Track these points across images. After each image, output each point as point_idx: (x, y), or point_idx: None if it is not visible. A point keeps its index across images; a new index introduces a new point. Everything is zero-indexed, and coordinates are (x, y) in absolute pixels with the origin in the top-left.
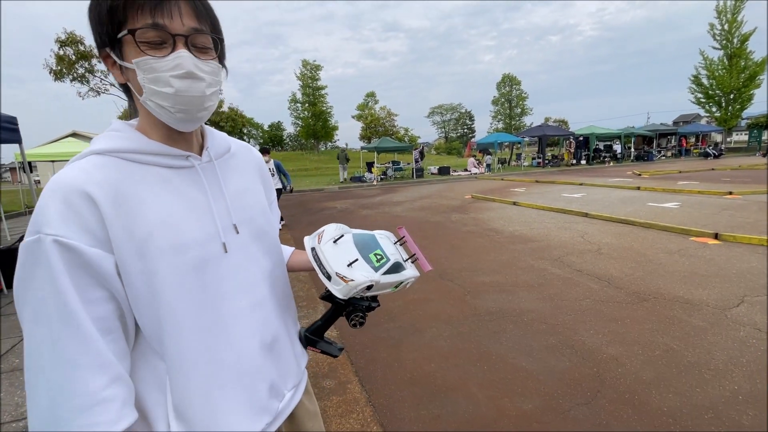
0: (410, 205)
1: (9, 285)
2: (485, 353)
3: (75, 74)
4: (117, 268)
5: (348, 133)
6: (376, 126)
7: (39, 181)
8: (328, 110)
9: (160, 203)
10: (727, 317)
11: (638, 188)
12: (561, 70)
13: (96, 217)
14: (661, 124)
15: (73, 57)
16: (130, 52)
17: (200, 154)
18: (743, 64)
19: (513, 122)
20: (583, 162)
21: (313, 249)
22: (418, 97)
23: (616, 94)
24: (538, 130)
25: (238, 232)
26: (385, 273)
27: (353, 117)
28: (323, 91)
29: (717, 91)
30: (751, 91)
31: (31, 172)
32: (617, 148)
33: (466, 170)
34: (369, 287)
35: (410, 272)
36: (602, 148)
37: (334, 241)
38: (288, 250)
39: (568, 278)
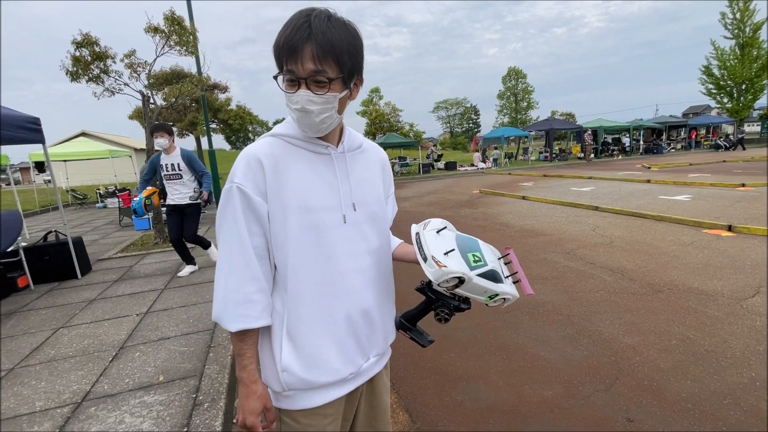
0: (418, 201)
1: (36, 281)
2: (503, 343)
3: (90, 75)
4: (268, 215)
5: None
6: (381, 122)
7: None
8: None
9: (301, 176)
10: (742, 307)
11: (648, 181)
12: (567, 62)
13: (261, 176)
14: (671, 116)
15: (89, 58)
16: (284, 83)
17: (337, 146)
18: (756, 53)
19: (519, 116)
20: (592, 155)
21: (417, 234)
22: (423, 92)
23: (624, 86)
24: (544, 124)
25: (355, 210)
26: (480, 276)
27: (358, 113)
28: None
29: (728, 82)
30: (764, 81)
31: (45, 171)
32: (626, 141)
33: (472, 165)
34: (460, 281)
35: (509, 289)
36: (610, 141)
37: (437, 231)
38: (396, 241)
39: (581, 271)
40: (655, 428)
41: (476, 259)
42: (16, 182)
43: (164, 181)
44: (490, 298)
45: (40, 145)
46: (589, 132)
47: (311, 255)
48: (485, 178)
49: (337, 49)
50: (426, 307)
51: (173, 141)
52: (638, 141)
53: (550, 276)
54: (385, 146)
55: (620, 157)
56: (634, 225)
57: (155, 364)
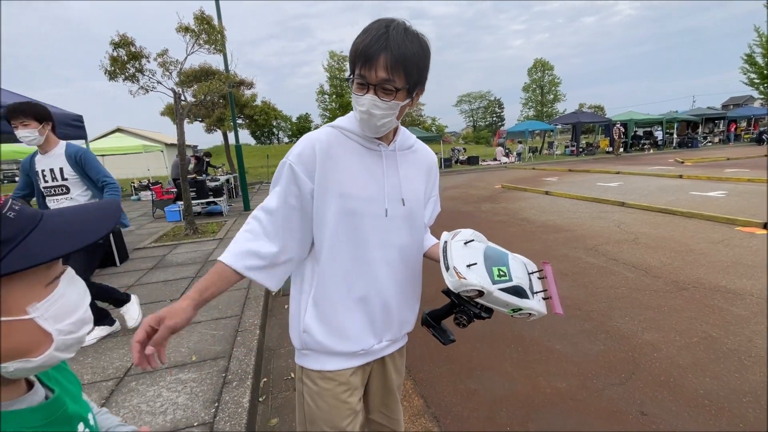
0: (440, 195)
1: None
2: (519, 336)
3: (126, 74)
4: (312, 195)
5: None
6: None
7: None
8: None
9: (349, 166)
10: None
11: (680, 176)
12: (597, 53)
13: (312, 159)
14: (708, 107)
15: (125, 58)
16: (354, 85)
17: (389, 144)
18: None
19: (545, 109)
20: (621, 150)
21: (445, 242)
22: (446, 85)
23: (658, 77)
24: (571, 117)
25: (404, 205)
26: (502, 290)
27: None
28: (351, 90)
29: None
30: None
31: None
32: (658, 134)
33: (495, 159)
34: (480, 293)
35: (535, 305)
36: (642, 134)
37: (465, 243)
38: (432, 240)
39: (603, 267)
40: (668, 422)
41: (501, 273)
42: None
43: (45, 198)
44: (514, 311)
45: (83, 141)
46: (619, 125)
47: (346, 238)
48: (508, 172)
49: (408, 62)
50: (449, 309)
51: (49, 131)
52: (671, 134)
53: (570, 272)
54: None
55: (651, 151)
56: (661, 222)
57: (188, 345)
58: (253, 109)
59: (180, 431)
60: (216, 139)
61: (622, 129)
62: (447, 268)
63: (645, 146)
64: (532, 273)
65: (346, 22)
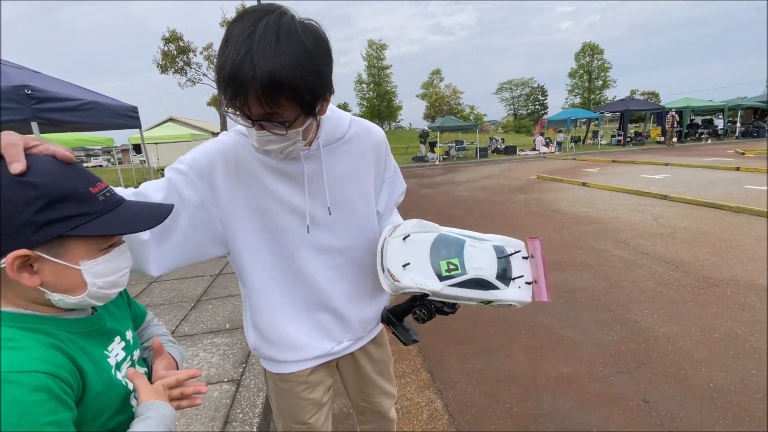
0: (471, 185)
1: None
2: (531, 323)
3: (176, 67)
4: (202, 205)
5: (411, 113)
6: (440, 105)
7: (144, 161)
8: (393, 90)
9: (265, 177)
10: None
11: (737, 169)
12: (654, 34)
13: (212, 169)
14: None
15: (175, 52)
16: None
17: (311, 144)
18: None
19: (592, 96)
20: (674, 139)
21: (384, 240)
22: (486, 72)
23: (723, 59)
24: (620, 105)
25: (330, 213)
26: (455, 285)
27: (417, 96)
28: (388, 71)
29: None
30: None
31: (140, 153)
32: (719, 123)
33: (533, 149)
34: (424, 295)
35: (510, 294)
36: (700, 123)
37: (404, 238)
38: (396, 222)
39: (631, 260)
40: (669, 411)
41: (452, 267)
42: (119, 162)
43: None
44: (485, 303)
45: (137, 130)
46: (673, 113)
47: (270, 255)
48: (546, 163)
49: (289, 87)
50: (410, 304)
51: None
52: (735, 123)
53: (594, 263)
54: (443, 130)
55: (709, 141)
56: (706, 216)
57: (223, 315)
58: None
59: (213, 385)
60: None
61: (677, 117)
62: (383, 270)
63: (702, 136)
64: (512, 254)
65: (387, 9)
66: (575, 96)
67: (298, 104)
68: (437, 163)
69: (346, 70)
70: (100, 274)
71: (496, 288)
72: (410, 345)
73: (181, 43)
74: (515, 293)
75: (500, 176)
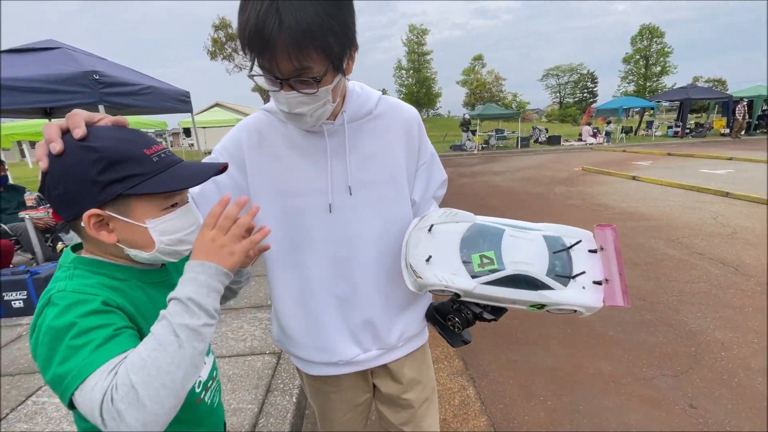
0: (511, 176)
1: None
2: (571, 319)
3: (224, 53)
4: (237, 183)
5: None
6: (481, 91)
7: (192, 144)
8: (432, 76)
9: (287, 155)
10: None
11: None
12: (724, 14)
13: (239, 151)
14: None
15: (224, 39)
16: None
17: (335, 118)
18: None
19: (648, 84)
20: (742, 132)
21: (409, 232)
22: (532, 58)
23: None
24: (680, 93)
25: (351, 194)
26: (491, 284)
27: (458, 82)
28: (428, 57)
29: None
30: None
31: (189, 137)
32: None
33: (580, 139)
34: (456, 295)
35: (570, 296)
36: None
37: (429, 230)
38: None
39: (683, 260)
40: (718, 418)
41: (486, 261)
42: (171, 145)
43: None
44: (537, 307)
45: (188, 114)
46: (744, 102)
47: (288, 241)
48: (593, 154)
49: (318, 37)
50: (450, 304)
51: None
52: None
53: (642, 261)
54: (483, 118)
55: None
56: None
57: (265, 291)
58: None
59: (256, 355)
60: None
61: (746, 107)
62: (407, 266)
63: None
64: (571, 246)
65: None
66: (629, 83)
67: (328, 56)
68: (475, 152)
69: (387, 56)
70: (166, 231)
71: (548, 287)
72: (459, 346)
73: (230, 30)
74: (578, 295)
75: (542, 167)
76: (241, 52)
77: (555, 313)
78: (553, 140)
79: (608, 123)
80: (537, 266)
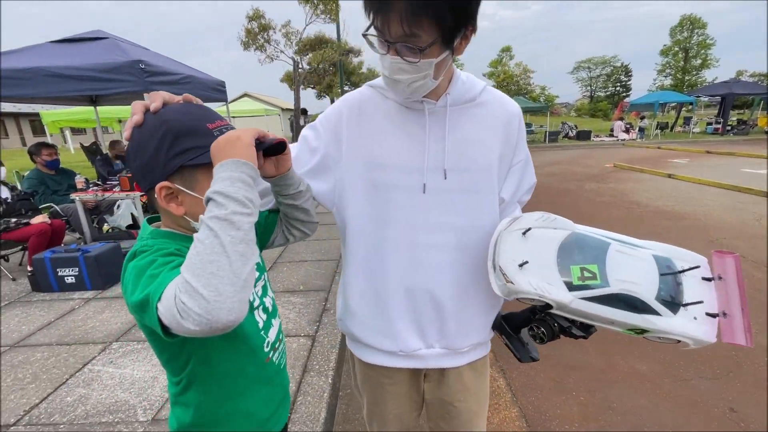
0: (539, 171)
1: None
2: None
3: (257, 44)
4: (333, 160)
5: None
6: (508, 84)
7: None
8: (459, 68)
9: (383, 130)
10: None
11: None
12: None
13: (339, 123)
14: None
15: (257, 30)
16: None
17: (437, 99)
18: None
19: (687, 77)
20: None
21: (498, 234)
22: (563, 50)
23: None
24: (721, 87)
25: (445, 177)
26: (591, 300)
27: (484, 75)
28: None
29: None
30: None
31: None
32: None
33: (611, 135)
34: (547, 306)
35: (679, 325)
36: None
37: (524, 233)
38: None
39: None
40: (761, 424)
41: (586, 275)
42: None
43: None
44: (635, 332)
45: (222, 103)
46: None
47: (372, 216)
48: (625, 150)
49: (434, 8)
50: (529, 316)
51: None
52: None
53: None
54: None
55: None
56: None
57: (297, 277)
58: (360, 77)
59: (291, 338)
60: (324, 105)
61: None
62: (494, 268)
63: None
64: (684, 271)
65: None
66: (665, 77)
67: (439, 28)
68: None
69: None
70: None
71: (655, 313)
72: (526, 362)
73: (263, 21)
74: (688, 325)
75: (571, 163)
76: (273, 43)
77: (653, 340)
78: (583, 135)
79: (642, 118)
80: (645, 288)
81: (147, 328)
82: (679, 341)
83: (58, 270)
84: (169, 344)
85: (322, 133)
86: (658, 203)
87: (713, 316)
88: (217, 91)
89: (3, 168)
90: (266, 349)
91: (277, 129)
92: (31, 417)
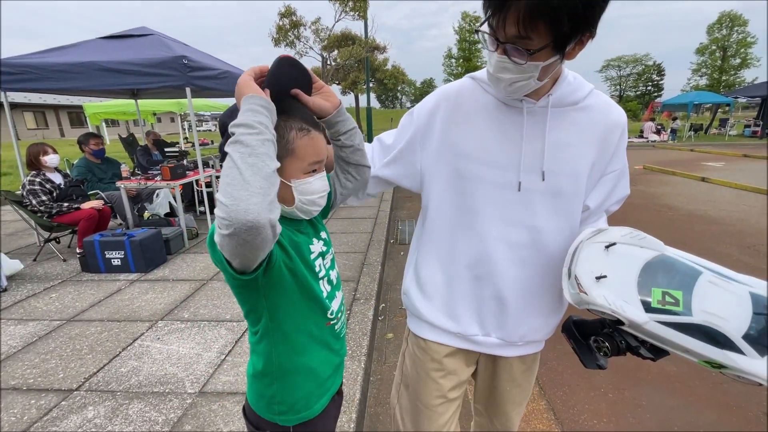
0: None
1: None
2: None
3: (287, 40)
4: (419, 147)
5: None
6: None
7: None
8: (482, 65)
9: (478, 124)
10: None
11: None
12: None
13: (434, 114)
14: None
15: (288, 26)
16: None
17: (539, 99)
18: None
19: (724, 77)
20: None
21: (579, 242)
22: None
23: None
24: (761, 88)
25: (544, 179)
26: (668, 325)
27: None
28: (480, 45)
29: None
30: None
31: None
32: None
33: (640, 136)
34: (618, 321)
35: (762, 367)
36: None
37: (607, 247)
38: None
39: (760, 268)
40: None
41: (668, 300)
42: None
43: None
44: (712, 365)
45: None
46: None
47: (456, 204)
48: (655, 153)
49: (553, 13)
50: (599, 326)
51: None
52: None
53: None
54: None
55: None
56: None
57: None
58: (384, 74)
59: None
60: (347, 101)
61: None
62: (569, 276)
63: None
64: None
65: None
66: (701, 76)
67: (553, 33)
68: None
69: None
70: (304, 192)
71: (738, 351)
72: (592, 369)
73: (294, 18)
74: None
75: None
76: (302, 39)
77: (731, 377)
78: None
79: (674, 119)
80: (733, 324)
81: (229, 276)
82: (761, 384)
83: (105, 252)
84: (248, 297)
85: (416, 121)
86: (691, 207)
87: None
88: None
89: (57, 156)
90: (329, 316)
91: None
92: (90, 384)
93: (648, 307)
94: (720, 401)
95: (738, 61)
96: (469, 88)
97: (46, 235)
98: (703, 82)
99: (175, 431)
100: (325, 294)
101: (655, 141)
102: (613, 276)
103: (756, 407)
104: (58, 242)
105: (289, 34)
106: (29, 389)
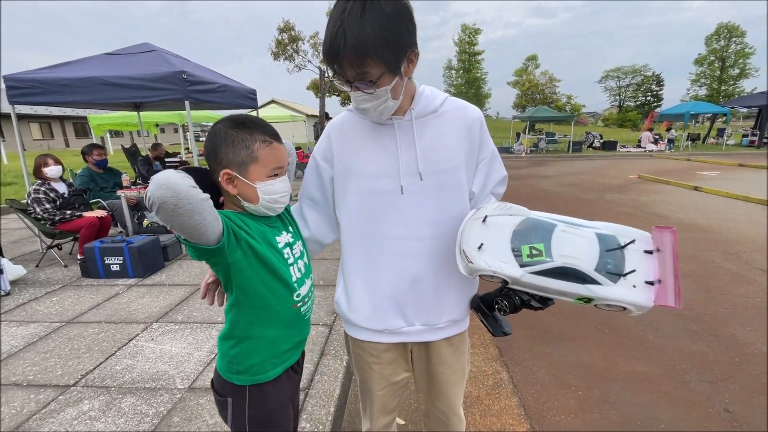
0: (559, 180)
1: None
2: (609, 321)
3: (286, 54)
4: (332, 179)
5: (499, 101)
6: (533, 93)
7: None
8: (483, 77)
9: (364, 145)
10: None
11: None
12: None
13: (329, 146)
14: None
15: (287, 41)
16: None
17: (404, 114)
18: None
19: (723, 87)
20: None
21: (465, 222)
22: (592, 58)
23: None
24: (759, 98)
25: (422, 179)
26: (539, 273)
27: (509, 83)
28: (479, 57)
29: None
30: None
31: None
32: None
33: (638, 146)
34: (504, 282)
35: (618, 293)
36: None
37: (483, 220)
38: None
39: (740, 275)
40: (754, 424)
41: (534, 252)
42: None
43: None
44: (584, 301)
45: (252, 110)
46: None
47: (360, 216)
48: (652, 162)
49: (372, 50)
50: (497, 293)
51: None
52: None
53: (695, 273)
54: (534, 120)
55: None
56: None
57: (317, 273)
58: None
59: (311, 325)
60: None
61: None
62: (460, 252)
63: None
64: (625, 246)
65: None
66: (700, 86)
67: (384, 63)
68: (523, 155)
69: (436, 55)
70: (267, 192)
71: (596, 282)
72: (500, 336)
73: (293, 33)
74: (626, 292)
75: (594, 173)
76: (301, 53)
77: (604, 309)
78: (608, 146)
79: (668, 129)
80: (585, 261)
81: (190, 249)
82: (624, 308)
83: (105, 258)
84: (220, 272)
85: (319, 162)
86: (680, 215)
87: (650, 283)
88: (248, 98)
89: (58, 167)
90: (296, 298)
91: (302, 134)
92: (86, 380)
93: (522, 263)
94: (684, 399)
95: (737, 71)
96: (349, 118)
97: (49, 242)
98: (703, 92)
99: (163, 423)
100: (294, 278)
101: (652, 150)
102: (490, 243)
103: (718, 404)
104: (60, 249)
105: (287, 48)
106: (29, 385)
